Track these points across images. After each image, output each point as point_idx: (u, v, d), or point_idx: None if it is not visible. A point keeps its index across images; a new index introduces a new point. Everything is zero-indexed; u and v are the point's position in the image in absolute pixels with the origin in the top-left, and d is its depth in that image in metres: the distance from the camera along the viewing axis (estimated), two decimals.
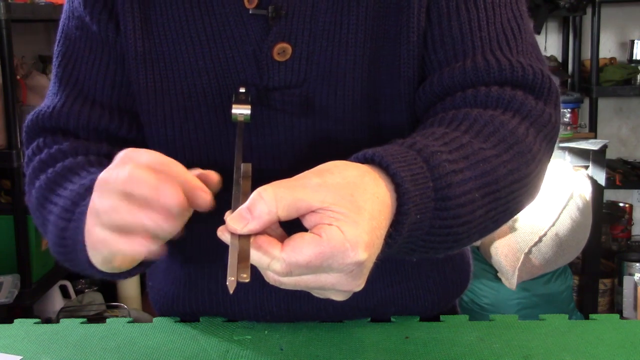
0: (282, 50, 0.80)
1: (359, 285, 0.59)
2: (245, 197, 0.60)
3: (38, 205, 0.80)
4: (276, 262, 0.57)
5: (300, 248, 0.56)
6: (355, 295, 0.70)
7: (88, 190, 0.71)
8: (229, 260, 0.57)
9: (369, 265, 0.59)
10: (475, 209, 0.67)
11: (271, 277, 0.59)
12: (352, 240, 0.56)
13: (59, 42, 0.88)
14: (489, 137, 0.71)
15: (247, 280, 0.55)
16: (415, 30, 0.80)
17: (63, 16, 0.89)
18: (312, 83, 0.81)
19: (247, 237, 0.58)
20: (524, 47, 0.80)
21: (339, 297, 0.61)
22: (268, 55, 0.81)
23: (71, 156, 0.82)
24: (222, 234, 0.59)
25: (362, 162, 0.64)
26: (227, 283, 0.55)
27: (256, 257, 0.57)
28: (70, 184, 0.77)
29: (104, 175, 0.62)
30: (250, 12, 0.80)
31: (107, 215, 0.61)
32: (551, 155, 0.79)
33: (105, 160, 0.79)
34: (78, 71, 0.86)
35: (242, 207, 0.58)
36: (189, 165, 0.85)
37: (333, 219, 0.57)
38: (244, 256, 0.57)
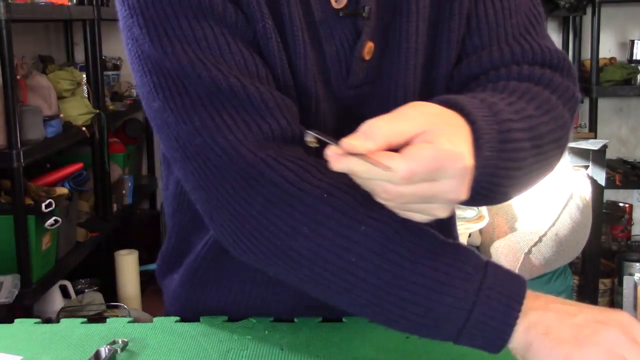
0: (369, 49, 0.83)
1: (464, 192, 0.63)
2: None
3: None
4: (400, 168, 0.59)
5: (419, 153, 0.60)
6: None
7: None
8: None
9: (470, 173, 0.63)
10: (527, 156, 0.73)
11: (390, 190, 0.61)
12: (458, 148, 0.62)
13: None
14: (530, 101, 0.77)
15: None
16: (465, 15, 0.85)
17: None
18: (382, 76, 0.84)
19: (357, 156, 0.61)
20: (543, 32, 0.88)
21: (443, 212, 0.64)
22: (359, 55, 0.82)
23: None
24: (339, 161, 0.61)
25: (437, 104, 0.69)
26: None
27: (377, 170, 0.60)
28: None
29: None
30: (340, 14, 0.81)
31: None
32: (572, 126, 0.85)
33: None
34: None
35: (357, 132, 0.61)
36: None
37: (438, 135, 0.61)
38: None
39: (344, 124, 0.82)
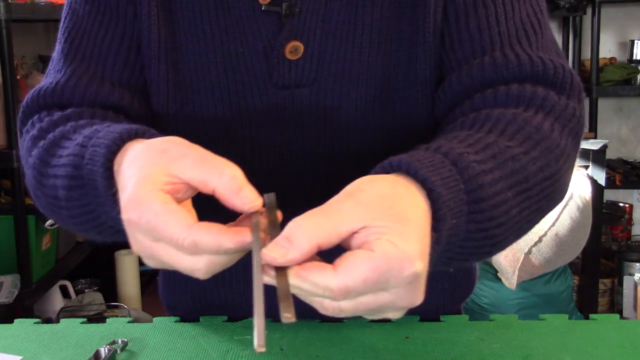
0: (294, 49, 0.79)
1: (418, 299, 0.55)
2: (276, 229, 0.55)
3: (38, 173, 0.73)
4: (332, 286, 0.51)
5: (355, 266, 0.51)
6: None
7: (95, 132, 0.68)
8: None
9: (425, 275, 0.55)
10: (509, 209, 0.64)
11: (328, 306, 0.54)
12: (406, 251, 0.52)
13: (65, 19, 0.84)
14: (514, 135, 0.69)
15: (293, 320, 0.50)
16: (432, 29, 0.78)
17: None
18: (322, 83, 0.80)
19: (283, 270, 0.52)
20: (544, 42, 0.78)
21: (396, 315, 0.57)
22: (280, 53, 0.79)
23: (73, 120, 0.76)
24: (264, 272, 0.53)
25: (388, 171, 0.61)
26: (257, 349, 0.50)
27: (307, 286, 0.52)
28: (76, 134, 0.71)
29: (127, 214, 0.57)
30: (262, 8, 0.78)
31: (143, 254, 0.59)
32: (577, 150, 0.76)
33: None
34: (85, 46, 0.81)
35: (279, 237, 0.53)
36: None
37: (380, 234, 0.53)
38: (284, 294, 0.51)
39: (287, 128, 0.82)
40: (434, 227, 0.58)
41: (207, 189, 0.57)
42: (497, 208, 0.63)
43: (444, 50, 0.79)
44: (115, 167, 0.63)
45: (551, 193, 0.70)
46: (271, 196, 0.59)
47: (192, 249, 0.54)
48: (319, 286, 0.52)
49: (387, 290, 0.53)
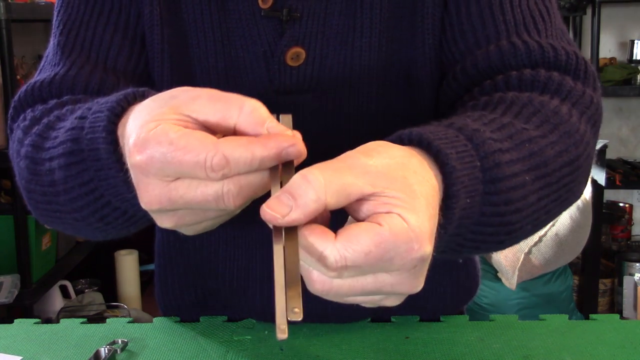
0: (295, 55, 0.78)
1: (419, 285, 0.49)
2: (289, 171, 0.49)
3: (31, 162, 0.66)
4: (329, 254, 0.45)
5: (357, 236, 0.46)
6: None
7: (95, 104, 0.60)
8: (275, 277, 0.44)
9: (429, 259, 0.49)
10: (527, 194, 0.59)
11: (318, 282, 0.47)
12: (417, 229, 0.47)
13: (58, 12, 0.80)
14: (530, 117, 0.64)
15: (299, 318, 0.43)
16: (430, 31, 0.77)
17: None
18: (324, 88, 0.79)
19: (293, 234, 0.45)
20: (554, 31, 0.75)
21: (393, 303, 0.51)
22: (281, 60, 0.78)
23: (70, 104, 0.69)
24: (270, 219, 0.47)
25: (397, 143, 0.55)
26: (277, 335, 0.43)
27: (303, 251, 0.46)
28: (74, 113, 0.64)
29: (134, 157, 0.49)
30: (262, 13, 0.77)
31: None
32: (596, 141, 0.71)
33: None
34: (84, 37, 0.76)
35: (283, 191, 0.47)
36: None
37: (390, 205, 0.47)
38: (292, 276, 0.44)
39: None
40: (445, 206, 0.54)
41: (226, 126, 0.50)
42: (515, 191, 0.58)
43: (445, 44, 0.77)
44: (120, 131, 0.56)
45: (570, 182, 0.65)
46: (287, 118, 0.52)
47: (222, 166, 0.47)
48: (315, 252, 0.46)
49: (388, 272, 0.48)
